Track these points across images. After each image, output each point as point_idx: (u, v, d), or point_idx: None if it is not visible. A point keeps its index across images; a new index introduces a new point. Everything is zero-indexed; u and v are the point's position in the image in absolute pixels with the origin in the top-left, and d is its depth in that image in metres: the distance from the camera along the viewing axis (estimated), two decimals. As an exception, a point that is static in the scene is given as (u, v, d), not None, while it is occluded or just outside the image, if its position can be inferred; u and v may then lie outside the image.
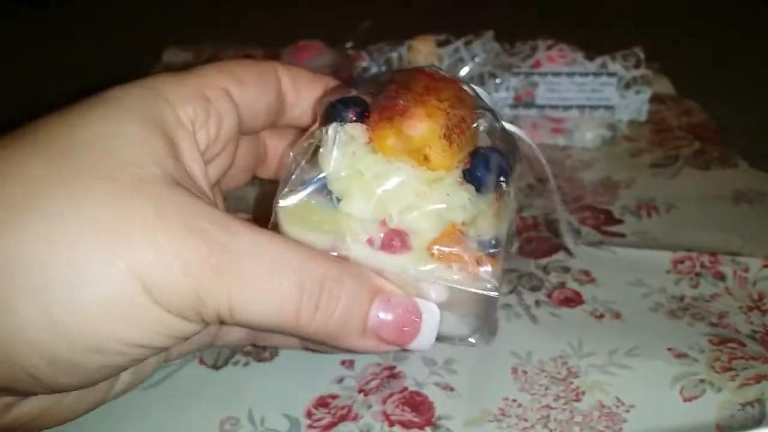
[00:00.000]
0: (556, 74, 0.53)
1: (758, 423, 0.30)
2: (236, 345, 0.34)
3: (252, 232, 0.23)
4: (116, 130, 0.23)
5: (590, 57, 0.53)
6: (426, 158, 0.25)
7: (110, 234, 0.21)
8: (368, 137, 0.25)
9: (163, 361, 0.30)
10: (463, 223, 0.25)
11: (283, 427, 0.30)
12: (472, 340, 0.29)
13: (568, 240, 0.36)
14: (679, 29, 0.79)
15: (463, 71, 0.54)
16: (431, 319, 0.26)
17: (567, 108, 0.54)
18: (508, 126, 0.28)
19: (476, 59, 0.54)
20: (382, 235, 0.25)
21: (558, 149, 0.54)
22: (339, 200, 0.25)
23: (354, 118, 0.26)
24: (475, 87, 0.28)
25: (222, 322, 0.23)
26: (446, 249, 0.25)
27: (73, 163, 0.22)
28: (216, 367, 0.34)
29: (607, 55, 0.53)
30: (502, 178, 0.26)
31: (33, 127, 0.23)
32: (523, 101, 0.54)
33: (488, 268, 0.25)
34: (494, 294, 0.25)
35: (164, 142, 0.24)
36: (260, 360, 0.34)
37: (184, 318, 0.23)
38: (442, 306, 0.26)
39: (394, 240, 0.25)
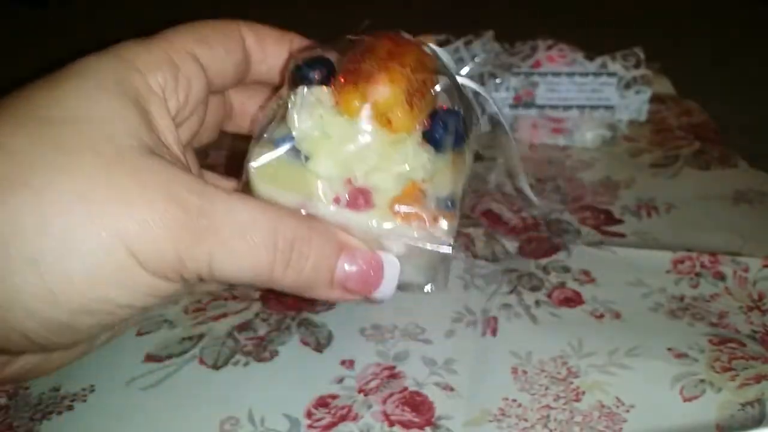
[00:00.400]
0: (556, 74, 0.53)
1: (758, 423, 0.30)
2: (211, 293, 0.37)
3: (226, 197, 0.25)
4: (93, 104, 0.24)
5: (590, 57, 0.53)
6: (389, 121, 0.27)
7: (97, 205, 0.23)
8: (334, 101, 0.27)
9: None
10: (423, 181, 0.27)
11: (283, 427, 0.30)
12: (427, 289, 0.31)
13: (526, 189, 0.39)
14: (679, 29, 0.79)
15: (463, 71, 0.54)
16: (392, 271, 0.28)
17: (567, 108, 0.54)
18: (465, 81, 0.31)
19: (476, 59, 0.54)
20: (347, 193, 0.27)
21: (558, 149, 0.54)
22: (307, 159, 0.27)
23: (319, 80, 0.28)
24: (436, 48, 0.30)
25: (201, 280, 0.26)
26: (406, 208, 0.27)
27: (56, 138, 0.23)
28: (216, 367, 0.34)
29: (607, 55, 0.53)
30: (459, 139, 0.29)
31: (11, 103, 0.25)
32: (523, 101, 0.54)
33: (444, 226, 0.27)
34: (447, 250, 0.27)
35: (138, 112, 0.25)
36: (260, 360, 0.34)
37: (168, 279, 0.25)
38: (401, 259, 0.28)
39: (359, 198, 0.27)
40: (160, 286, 0.25)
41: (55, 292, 0.23)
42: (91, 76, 0.25)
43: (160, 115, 0.27)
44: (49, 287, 0.22)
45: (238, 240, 0.25)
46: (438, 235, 0.27)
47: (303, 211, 0.27)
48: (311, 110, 0.27)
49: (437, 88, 0.28)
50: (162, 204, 0.23)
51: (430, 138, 0.28)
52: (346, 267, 0.27)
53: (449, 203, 0.28)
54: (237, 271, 0.25)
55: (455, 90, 0.29)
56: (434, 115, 0.28)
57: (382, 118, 0.26)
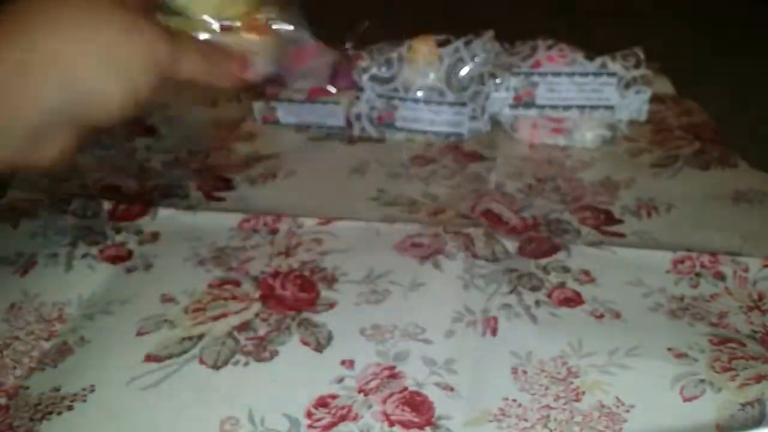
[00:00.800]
0: (556, 74, 0.53)
1: (758, 423, 0.30)
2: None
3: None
4: None
5: (590, 57, 0.53)
6: None
7: (86, 29, 0.29)
8: None
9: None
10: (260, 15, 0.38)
11: (283, 427, 0.30)
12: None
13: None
14: (679, 29, 0.79)
15: (463, 71, 0.54)
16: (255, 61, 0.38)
17: (567, 108, 0.54)
18: None
19: (476, 59, 0.54)
20: (219, 27, 0.38)
21: (558, 149, 0.54)
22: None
23: None
24: None
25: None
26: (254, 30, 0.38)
27: None
28: (216, 367, 0.33)
29: (607, 55, 0.53)
30: None
31: None
32: (523, 101, 0.54)
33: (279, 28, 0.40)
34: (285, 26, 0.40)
35: None
36: (260, 360, 0.34)
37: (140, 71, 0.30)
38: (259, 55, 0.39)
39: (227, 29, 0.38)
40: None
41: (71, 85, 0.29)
42: None
43: None
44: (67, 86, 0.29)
45: (189, 54, 0.34)
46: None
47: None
48: None
49: None
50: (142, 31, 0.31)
51: None
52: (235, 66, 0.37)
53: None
54: (187, 72, 0.33)
55: None
56: None
57: None
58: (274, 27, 0.41)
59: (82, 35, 0.29)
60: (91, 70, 0.29)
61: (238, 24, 0.39)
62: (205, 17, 0.38)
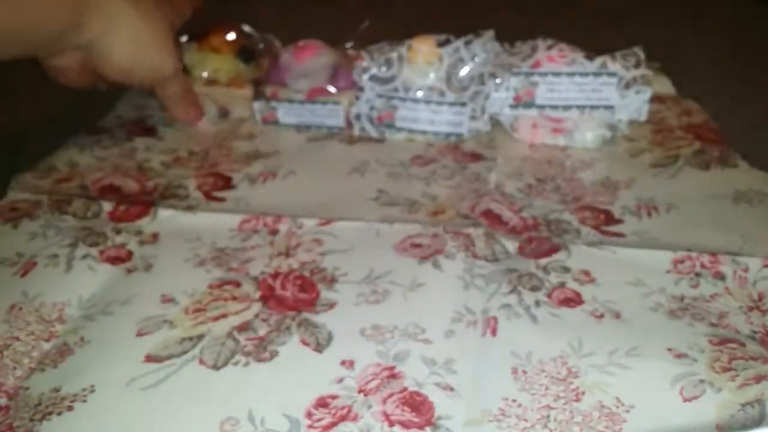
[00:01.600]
0: (556, 74, 0.53)
1: (758, 423, 0.30)
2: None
3: None
4: None
5: (590, 57, 0.53)
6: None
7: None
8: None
9: None
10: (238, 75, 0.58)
11: (283, 427, 0.30)
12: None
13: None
14: (679, 29, 0.79)
15: (463, 71, 0.54)
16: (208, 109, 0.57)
17: (567, 108, 0.54)
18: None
19: (476, 59, 0.54)
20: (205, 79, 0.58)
21: (558, 149, 0.54)
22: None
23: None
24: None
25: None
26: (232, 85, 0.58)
27: None
28: (216, 367, 0.34)
29: (607, 55, 0.53)
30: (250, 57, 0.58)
31: None
32: (523, 101, 0.54)
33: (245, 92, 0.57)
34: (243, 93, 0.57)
35: None
36: (260, 360, 0.34)
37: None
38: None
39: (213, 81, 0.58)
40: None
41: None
42: None
43: None
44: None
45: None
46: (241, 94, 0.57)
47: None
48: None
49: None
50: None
51: (240, 56, 0.58)
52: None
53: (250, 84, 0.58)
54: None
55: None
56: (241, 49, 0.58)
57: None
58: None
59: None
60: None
61: (223, 80, 0.57)
62: (203, 74, 0.57)
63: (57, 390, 0.32)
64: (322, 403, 0.31)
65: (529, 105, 0.54)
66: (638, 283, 0.39)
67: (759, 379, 0.32)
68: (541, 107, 0.54)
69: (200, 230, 0.44)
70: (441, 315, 0.37)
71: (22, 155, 0.52)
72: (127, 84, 0.54)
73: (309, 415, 0.31)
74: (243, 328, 0.36)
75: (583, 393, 0.32)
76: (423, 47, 0.53)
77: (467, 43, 0.54)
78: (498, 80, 0.54)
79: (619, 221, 0.45)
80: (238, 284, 0.39)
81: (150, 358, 0.34)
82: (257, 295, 0.38)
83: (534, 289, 0.39)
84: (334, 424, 0.30)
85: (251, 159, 0.53)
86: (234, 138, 0.56)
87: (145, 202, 0.46)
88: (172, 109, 0.55)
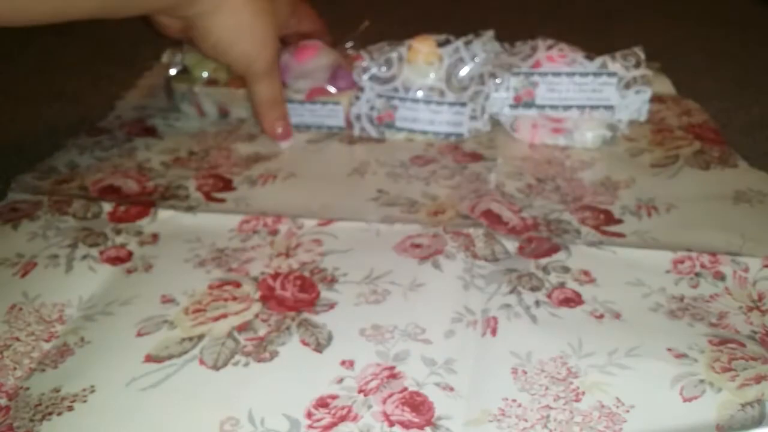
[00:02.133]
0: (556, 74, 0.53)
1: (758, 423, 0.30)
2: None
3: None
4: None
5: (590, 57, 0.53)
6: None
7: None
8: None
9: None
10: None
11: (283, 428, 0.30)
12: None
13: None
14: (679, 29, 0.79)
15: (463, 71, 0.54)
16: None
17: (567, 108, 0.54)
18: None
19: (476, 59, 0.54)
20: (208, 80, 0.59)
21: (558, 149, 0.54)
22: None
23: None
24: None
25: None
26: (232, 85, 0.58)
27: None
28: (216, 367, 0.34)
29: (607, 55, 0.53)
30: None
31: None
32: (523, 101, 0.54)
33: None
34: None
35: None
36: (260, 360, 0.34)
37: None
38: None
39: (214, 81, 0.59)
40: None
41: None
42: None
43: None
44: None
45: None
46: None
47: None
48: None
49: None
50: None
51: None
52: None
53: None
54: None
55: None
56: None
57: None
58: None
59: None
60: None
61: (223, 80, 0.57)
62: (203, 74, 0.57)
63: (57, 390, 0.32)
64: (322, 403, 0.31)
65: (529, 105, 0.54)
66: (638, 284, 0.39)
67: (759, 379, 0.32)
68: (541, 107, 0.54)
69: (200, 231, 0.44)
70: (441, 315, 0.37)
71: (23, 156, 0.52)
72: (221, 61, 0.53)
73: (309, 415, 0.31)
74: (243, 328, 0.36)
75: (583, 393, 0.32)
76: (423, 47, 0.53)
77: (467, 43, 0.54)
78: (498, 80, 0.54)
79: (619, 221, 0.45)
80: (238, 284, 0.39)
81: (150, 359, 0.34)
82: (257, 295, 0.38)
83: (534, 289, 0.39)
84: (334, 424, 0.30)
85: (251, 162, 0.53)
86: (234, 139, 0.56)
87: (145, 203, 0.46)
88: (260, 118, 0.54)
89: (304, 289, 0.39)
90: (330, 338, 0.35)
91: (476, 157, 0.53)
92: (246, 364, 0.34)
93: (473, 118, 0.55)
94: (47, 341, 0.35)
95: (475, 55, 0.54)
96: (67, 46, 0.75)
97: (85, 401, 0.32)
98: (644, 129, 0.56)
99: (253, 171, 0.51)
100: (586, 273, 0.40)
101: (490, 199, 0.47)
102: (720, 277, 0.39)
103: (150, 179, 0.50)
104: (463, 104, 0.54)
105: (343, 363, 0.34)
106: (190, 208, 0.46)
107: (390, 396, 0.32)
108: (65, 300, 0.38)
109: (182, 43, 0.57)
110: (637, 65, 0.53)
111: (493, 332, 0.35)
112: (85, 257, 0.41)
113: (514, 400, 0.32)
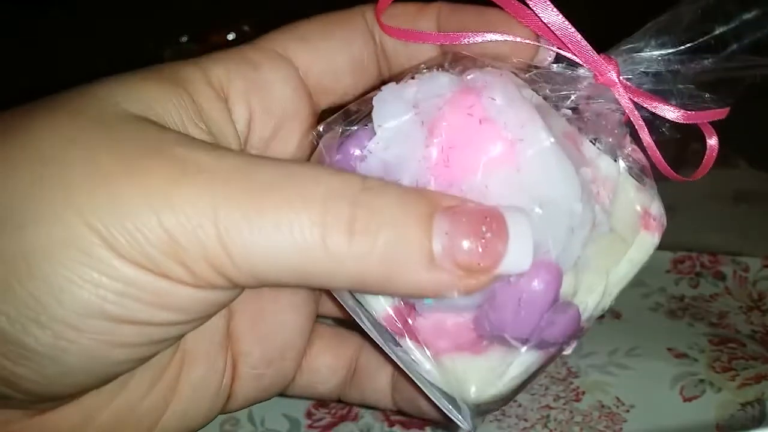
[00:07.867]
0: (556, 74, 0.53)
1: (758, 423, 0.30)
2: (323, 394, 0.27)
3: (245, 153, 0.20)
4: (127, 82, 0.20)
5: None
6: None
7: (58, 179, 0.17)
8: None
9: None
10: None
11: (283, 427, 0.30)
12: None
13: None
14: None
15: (463, 71, 0.54)
16: (519, 225, 0.18)
17: (567, 108, 0.54)
18: None
19: (476, 59, 0.54)
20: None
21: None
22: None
23: None
24: None
25: (233, 283, 0.17)
26: None
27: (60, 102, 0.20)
28: (216, 367, 0.33)
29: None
30: None
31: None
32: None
33: None
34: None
35: (167, 89, 0.20)
36: (260, 360, 0.34)
37: (167, 277, 0.17)
38: None
39: None
40: (161, 288, 0.17)
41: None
42: (148, 69, 0.22)
43: (209, 105, 0.21)
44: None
45: (265, 200, 0.17)
46: None
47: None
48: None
49: None
50: (144, 160, 0.17)
51: None
52: (447, 230, 0.17)
53: None
54: (271, 248, 0.16)
55: None
56: None
57: None
58: None
59: None
60: None
61: None
62: None
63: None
64: (322, 402, 0.31)
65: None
66: (638, 283, 0.39)
67: (759, 378, 0.32)
68: (541, 107, 0.54)
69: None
70: (441, 315, 0.37)
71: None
72: None
73: (309, 415, 0.31)
74: (243, 328, 0.36)
75: (583, 393, 0.32)
76: (423, 47, 0.53)
77: (467, 44, 0.54)
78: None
79: (619, 221, 0.45)
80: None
81: (150, 358, 0.34)
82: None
83: (534, 289, 0.39)
84: (334, 424, 0.30)
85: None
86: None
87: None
88: (387, 280, 0.21)
89: (304, 288, 0.39)
90: (330, 338, 0.35)
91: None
92: (246, 364, 0.34)
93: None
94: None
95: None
96: (68, 47, 0.75)
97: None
98: (644, 129, 0.56)
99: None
100: (586, 273, 0.40)
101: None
102: (720, 276, 0.39)
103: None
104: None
105: (343, 363, 0.34)
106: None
107: (390, 396, 0.32)
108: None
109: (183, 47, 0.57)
110: (637, 65, 0.53)
111: (493, 332, 0.35)
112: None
113: (514, 400, 0.31)
